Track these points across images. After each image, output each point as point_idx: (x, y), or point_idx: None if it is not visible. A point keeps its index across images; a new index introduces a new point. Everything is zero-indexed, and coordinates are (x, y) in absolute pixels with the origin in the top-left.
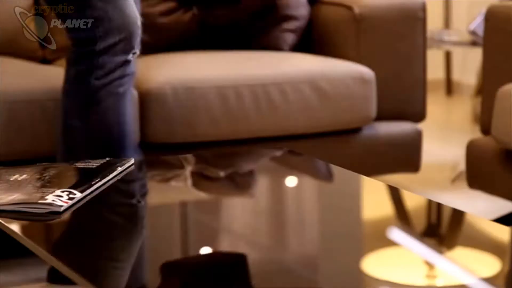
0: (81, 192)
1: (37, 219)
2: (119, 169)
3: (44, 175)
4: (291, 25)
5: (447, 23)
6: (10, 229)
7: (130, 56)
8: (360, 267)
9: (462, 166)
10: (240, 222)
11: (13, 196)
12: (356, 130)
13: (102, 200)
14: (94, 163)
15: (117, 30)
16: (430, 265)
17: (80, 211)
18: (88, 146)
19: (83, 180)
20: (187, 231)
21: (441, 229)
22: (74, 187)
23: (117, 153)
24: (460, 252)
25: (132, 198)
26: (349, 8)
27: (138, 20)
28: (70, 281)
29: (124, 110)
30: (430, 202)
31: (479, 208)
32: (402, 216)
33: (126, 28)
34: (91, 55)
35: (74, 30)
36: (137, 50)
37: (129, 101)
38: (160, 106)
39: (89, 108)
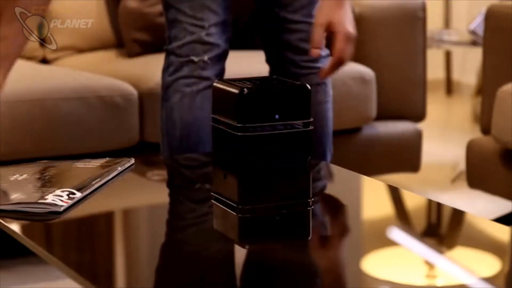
0: (81, 192)
1: (37, 219)
2: (119, 168)
3: (44, 174)
4: None
5: (447, 23)
6: (10, 229)
7: (195, 58)
8: (360, 267)
9: (462, 166)
10: (238, 221)
11: (13, 196)
12: (356, 130)
13: (102, 199)
14: (94, 163)
15: (185, 33)
16: (430, 265)
17: (80, 211)
18: (162, 141)
19: (83, 180)
20: (187, 231)
21: (441, 229)
22: (75, 187)
23: (183, 152)
24: (460, 252)
25: (132, 198)
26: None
27: (208, 28)
28: None
29: (190, 111)
30: (430, 202)
31: (479, 208)
32: (402, 216)
33: (194, 33)
34: (167, 53)
35: (166, 29)
36: (205, 56)
37: (199, 105)
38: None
39: (162, 104)
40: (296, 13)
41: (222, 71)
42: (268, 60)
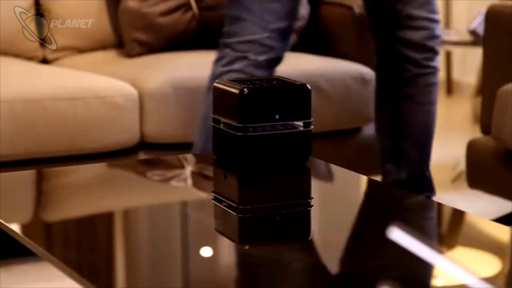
0: None
1: None
2: None
3: None
4: None
5: (447, 23)
6: (10, 229)
7: (251, 55)
8: (360, 267)
9: (462, 166)
10: (238, 221)
11: None
12: (356, 130)
13: (102, 199)
14: None
15: (246, 32)
16: (430, 265)
17: (80, 211)
18: (200, 132)
19: None
20: (187, 231)
21: (441, 229)
22: None
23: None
24: (460, 252)
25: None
26: (349, 8)
27: (271, 32)
28: None
29: None
30: (430, 202)
31: (479, 208)
32: (402, 216)
33: (255, 34)
34: (223, 46)
35: (226, 23)
36: (260, 57)
37: None
38: (160, 106)
39: (207, 93)
40: (421, 9)
41: (272, 74)
42: (381, 60)
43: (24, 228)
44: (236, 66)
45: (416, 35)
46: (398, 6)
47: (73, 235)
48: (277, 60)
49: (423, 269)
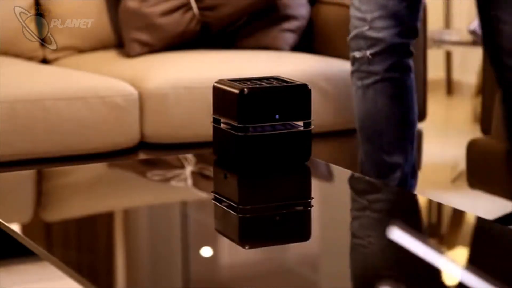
0: None
1: None
2: None
3: None
4: (291, 25)
5: (447, 23)
6: (10, 229)
7: (358, 54)
8: (360, 267)
9: (462, 166)
10: (238, 221)
11: None
12: (356, 130)
13: (102, 199)
14: None
15: (352, 27)
16: (430, 265)
17: (80, 211)
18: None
19: None
20: (187, 231)
21: (441, 229)
22: None
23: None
24: (460, 252)
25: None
26: (348, 7)
27: (372, 22)
28: None
29: (363, 104)
30: (430, 202)
31: (479, 208)
32: (403, 216)
33: (357, 27)
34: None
35: None
36: (368, 52)
37: (371, 98)
38: (160, 106)
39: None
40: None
41: (395, 65)
42: (491, 66)
43: (24, 228)
44: (355, 66)
45: (504, 40)
46: (492, 11)
47: (73, 235)
48: (391, 49)
49: (423, 269)
